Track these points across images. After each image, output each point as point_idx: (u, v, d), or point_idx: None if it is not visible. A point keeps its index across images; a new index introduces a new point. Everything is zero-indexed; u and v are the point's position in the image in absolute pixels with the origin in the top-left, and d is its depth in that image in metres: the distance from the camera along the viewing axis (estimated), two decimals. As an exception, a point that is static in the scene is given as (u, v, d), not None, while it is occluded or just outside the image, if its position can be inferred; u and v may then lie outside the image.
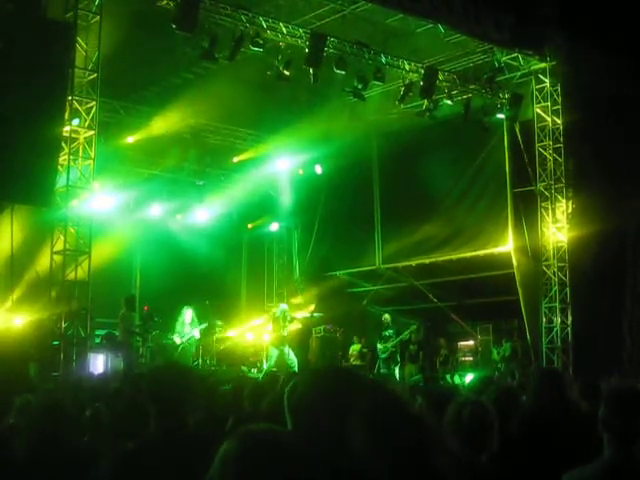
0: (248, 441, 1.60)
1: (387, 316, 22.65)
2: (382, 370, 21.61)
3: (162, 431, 4.07)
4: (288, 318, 21.59)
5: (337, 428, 1.57)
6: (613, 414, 4.16)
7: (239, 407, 7.48)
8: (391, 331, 22.09)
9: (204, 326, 21.43)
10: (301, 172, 26.89)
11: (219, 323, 22.95)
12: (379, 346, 22.07)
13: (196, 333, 21.12)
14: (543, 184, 21.36)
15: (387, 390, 1.82)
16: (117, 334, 19.09)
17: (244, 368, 21.57)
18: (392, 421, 1.54)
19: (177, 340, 20.76)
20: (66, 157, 15.95)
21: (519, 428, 5.77)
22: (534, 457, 5.47)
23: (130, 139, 23.04)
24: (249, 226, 27.87)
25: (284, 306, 22.33)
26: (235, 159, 26.29)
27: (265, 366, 21.62)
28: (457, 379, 21.03)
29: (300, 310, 24.59)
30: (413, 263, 24.57)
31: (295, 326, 22.65)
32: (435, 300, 24.48)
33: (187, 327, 20.94)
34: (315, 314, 24.74)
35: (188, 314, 21.06)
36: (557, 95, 21.18)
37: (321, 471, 1.54)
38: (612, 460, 4.10)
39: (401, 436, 1.51)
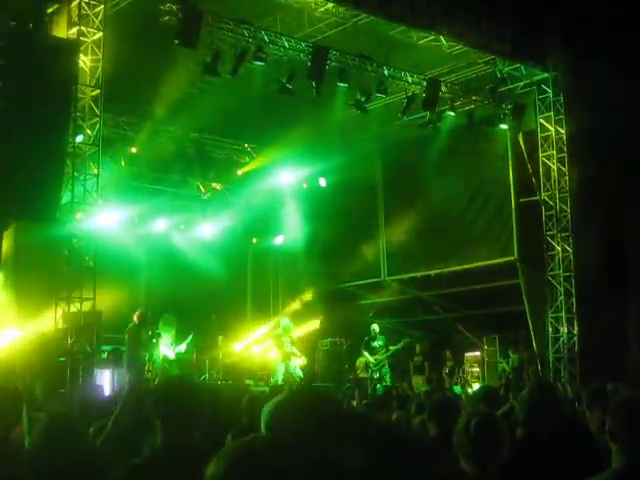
0: (227, 462, 1.59)
1: (375, 326, 22.26)
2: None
3: (167, 447, 4.05)
4: (291, 333, 21.52)
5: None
6: (621, 424, 4.12)
7: (239, 422, 7.45)
8: (380, 342, 21.82)
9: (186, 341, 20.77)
10: (305, 185, 26.89)
11: (222, 337, 22.80)
12: (369, 358, 21.70)
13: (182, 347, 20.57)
14: (547, 194, 21.37)
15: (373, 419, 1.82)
16: (124, 349, 19.01)
17: (250, 382, 21.48)
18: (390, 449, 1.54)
19: (170, 354, 20.28)
20: (70, 173, 15.98)
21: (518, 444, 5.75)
22: (539, 471, 5.43)
23: (134, 150, 23.08)
24: (253, 240, 27.85)
25: (286, 321, 22.22)
26: (239, 172, 26.31)
27: (272, 380, 21.53)
28: (466, 390, 20.92)
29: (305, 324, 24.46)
30: (418, 274, 24.59)
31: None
32: (441, 311, 24.47)
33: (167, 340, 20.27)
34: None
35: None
36: (560, 105, 21.20)
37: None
38: (621, 471, 4.06)
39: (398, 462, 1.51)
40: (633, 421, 4.11)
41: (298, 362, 21.22)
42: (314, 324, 25.42)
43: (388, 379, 21.40)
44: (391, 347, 21.85)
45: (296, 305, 27.17)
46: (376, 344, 21.71)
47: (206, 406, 4.45)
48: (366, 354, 21.75)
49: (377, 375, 21.51)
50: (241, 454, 1.64)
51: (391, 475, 1.48)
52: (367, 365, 22.12)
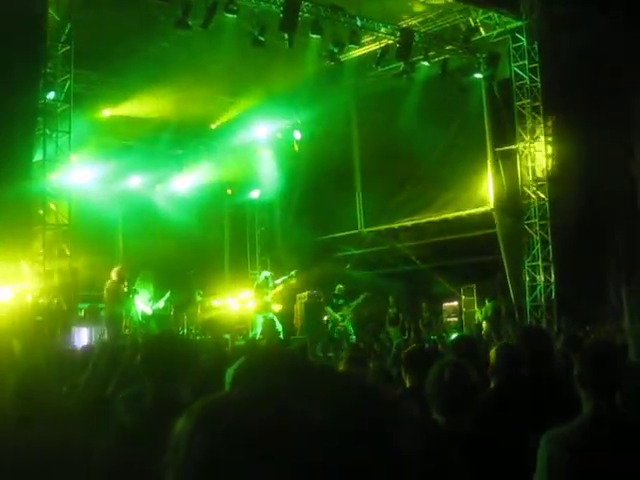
0: (194, 418, 1.58)
1: (341, 286, 22.62)
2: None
3: (158, 403, 4.04)
4: (270, 284, 21.58)
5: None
6: (588, 369, 4.14)
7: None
8: (342, 300, 22.13)
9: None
10: (280, 137, 26.81)
11: (200, 292, 22.81)
12: (334, 314, 22.10)
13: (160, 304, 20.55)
14: (523, 142, 21.38)
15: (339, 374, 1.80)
16: (102, 307, 18.93)
17: (227, 337, 21.51)
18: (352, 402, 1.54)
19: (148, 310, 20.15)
20: (42, 130, 15.85)
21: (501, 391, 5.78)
22: (515, 419, 5.45)
23: (106, 112, 22.83)
24: (228, 191, 27.71)
25: (266, 273, 22.36)
26: (213, 125, 26.11)
27: (251, 334, 21.59)
28: (443, 340, 21.04)
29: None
30: (395, 225, 24.63)
31: (278, 290, 22.54)
32: (418, 262, 24.52)
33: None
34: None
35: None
36: (534, 53, 21.13)
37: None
38: (590, 416, 4.08)
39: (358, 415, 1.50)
40: (601, 367, 4.12)
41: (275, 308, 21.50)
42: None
43: (352, 334, 21.61)
44: (351, 303, 22.05)
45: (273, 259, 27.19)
46: (339, 301, 22.03)
47: (195, 362, 4.44)
48: (329, 310, 21.98)
49: (342, 330, 21.80)
50: (208, 410, 1.63)
51: (358, 428, 1.48)
52: (329, 321, 22.21)
